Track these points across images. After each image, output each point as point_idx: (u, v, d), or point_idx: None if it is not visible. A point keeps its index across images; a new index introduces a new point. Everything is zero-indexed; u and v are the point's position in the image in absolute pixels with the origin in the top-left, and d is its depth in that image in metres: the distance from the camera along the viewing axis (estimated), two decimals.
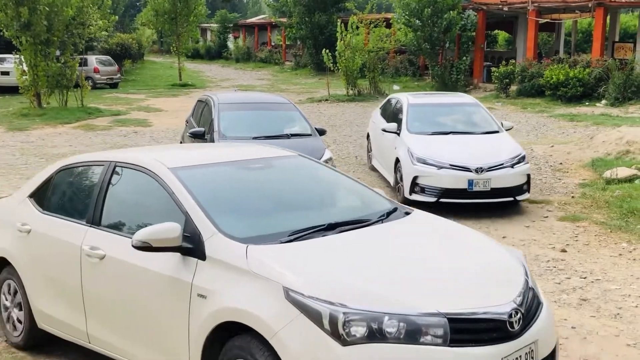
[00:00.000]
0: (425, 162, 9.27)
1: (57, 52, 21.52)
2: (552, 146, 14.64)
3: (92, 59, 31.06)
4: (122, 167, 4.65)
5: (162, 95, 28.18)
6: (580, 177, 11.58)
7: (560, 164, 12.84)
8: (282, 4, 39.63)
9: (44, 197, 5.15)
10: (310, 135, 9.68)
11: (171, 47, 37.14)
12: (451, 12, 26.34)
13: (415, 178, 9.23)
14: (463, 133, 10.30)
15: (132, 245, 3.83)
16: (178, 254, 3.87)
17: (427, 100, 11.60)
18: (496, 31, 37.32)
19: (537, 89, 23.49)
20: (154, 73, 39.71)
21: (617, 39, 29.24)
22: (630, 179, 10.65)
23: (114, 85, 31.61)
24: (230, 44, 54.62)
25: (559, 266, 7.07)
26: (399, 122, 10.51)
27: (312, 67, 37.24)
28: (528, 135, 16.41)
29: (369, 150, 12.52)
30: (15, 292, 5.19)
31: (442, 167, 9.15)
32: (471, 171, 9.00)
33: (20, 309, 5.15)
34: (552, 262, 7.18)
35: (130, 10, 60.55)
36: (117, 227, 4.47)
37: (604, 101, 21.37)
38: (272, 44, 50.46)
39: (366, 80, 26.47)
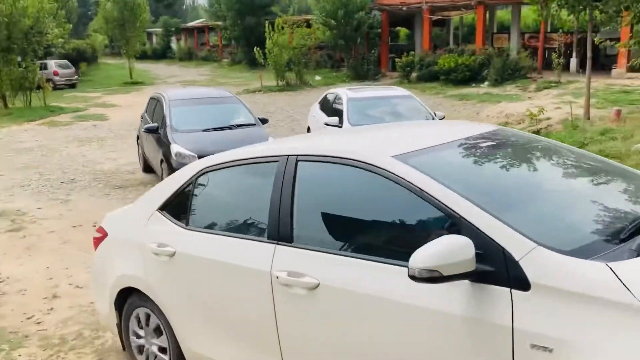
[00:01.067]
0: None
1: (19, 58, 20.55)
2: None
3: (52, 63, 29.73)
4: (311, 160, 2.83)
5: (116, 93, 27.24)
6: None
7: None
8: (217, 9, 38.78)
9: (183, 208, 3.33)
10: (255, 124, 9.20)
11: (122, 50, 35.84)
12: (360, 12, 26.52)
13: None
14: None
15: (411, 276, 2.05)
16: (467, 282, 2.12)
17: (365, 94, 10.25)
18: (398, 28, 37.67)
19: (433, 75, 23.89)
20: (107, 73, 38.20)
21: (495, 30, 30.08)
22: None
23: (72, 86, 30.37)
24: (174, 45, 53.11)
25: None
26: (339, 115, 9.40)
27: (246, 63, 36.70)
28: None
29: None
30: (156, 328, 3.47)
31: None
32: None
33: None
34: None
35: (83, 19, 57.76)
36: (325, 243, 2.66)
37: (486, 82, 21.94)
38: (210, 44, 49.36)
39: (293, 72, 26.42)
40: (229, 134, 8.44)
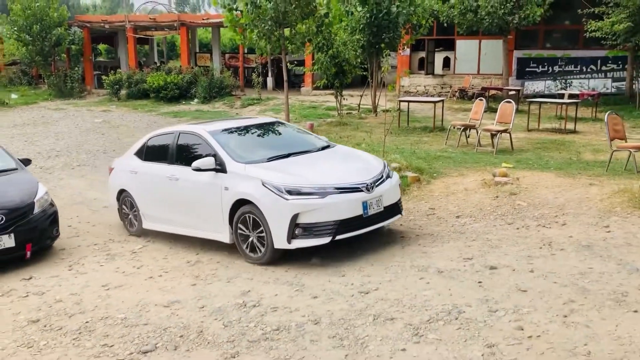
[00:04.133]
0: (300, 192, 6.04)
1: None
2: None
3: None
4: None
5: None
6: None
7: None
8: None
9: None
10: (17, 169, 7.66)
11: None
12: (59, 28, 25.33)
13: (295, 217, 5.94)
14: (300, 153, 7.07)
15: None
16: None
17: (229, 125, 7.70)
18: (101, 44, 36.72)
19: (143, 92, 24.24)
20: None
21: (197, 50, 31.82)
22: None
23: None
24: None
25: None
26: (205, 157, 6.80)
27: None
28: (145, 131, 17.00)
29: (130, 210, 8.11)
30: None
31: (327, 194, 6.05)
32: (362, 190, 6.22)
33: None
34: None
35: None
36: None
37: (196, 100, 23.20)
38: None
39: None
40: None
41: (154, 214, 7.77)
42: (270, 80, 25.68)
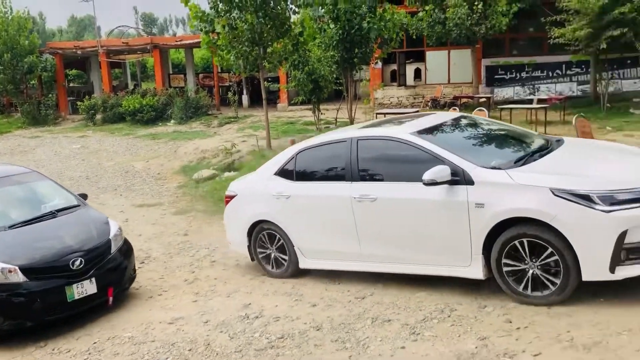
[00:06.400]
0: (620, 201, 4.49)
1: None
2: (148, 161, 15.92)
3: None
4: None
5: None
6: (177, 182, 13.25)
7: (159, 174, 14.28)
8: None
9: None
10: (79, 205, 6.88)
11: None
12: (30, 56, 25.30)
13: (622, 235, 4.40)
14: (539, 152, 5.51)
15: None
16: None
17: (424, 124, 5.98)
18: (73, 70, 36.60)
19: (119, 116, 24.30)
20: None
21: (171, 71, 31.96)
22: (212, 177, 12.79)
23: None
24: None
25: (187, 245, 8.54)
26: (437, 166, 5.13)
27: None
28: (125, 155, 17.35)
29: (274, 246, 6.55)
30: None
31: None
32: None
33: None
34: (182, 244, 8.62)
35: None
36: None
37: (172, 121, 23.27)
38: None
39: None
40: (48, 226, 6.28)
41: (322, 247, 6.11)
42: (245, 98, 25.98)
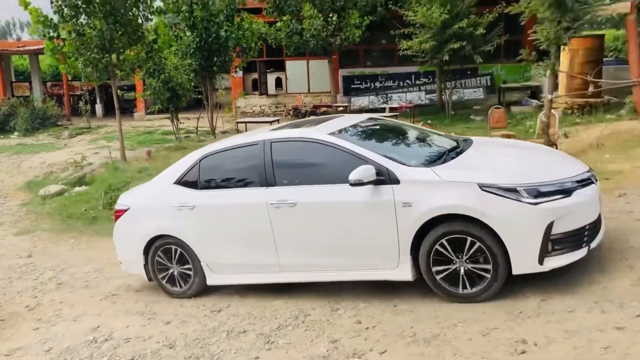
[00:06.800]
0: (543, 193, 4.59)
1: None
2: None
3: None
4: None
5: None
6: (21, 199, 12.21)
7: None
8: None
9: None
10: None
11: None
12: None
13: (549, 227, 4.49)
14: (454, 150, 5.60)
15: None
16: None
17: (339, 125, 5.86)
18: None
19: None
20: None
21: (13, 79, 29.40)
22: (60, 193, 11.93)
23: None
24: None
25: (30, 268, 7.89)
26: (362, 165, 5.00)
27: None
28: None
29: (177, 263, 5.98)
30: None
31: (572, 190, 4.73)
32: (593, 182, 5.12)
33: None
34: (25, 267, 7.95)
35: None
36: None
37: (16, 133, 21.42)
38: None
39: None
40: None
41: (233, 261, 5.66)
42: (99, 107, 24.65)
